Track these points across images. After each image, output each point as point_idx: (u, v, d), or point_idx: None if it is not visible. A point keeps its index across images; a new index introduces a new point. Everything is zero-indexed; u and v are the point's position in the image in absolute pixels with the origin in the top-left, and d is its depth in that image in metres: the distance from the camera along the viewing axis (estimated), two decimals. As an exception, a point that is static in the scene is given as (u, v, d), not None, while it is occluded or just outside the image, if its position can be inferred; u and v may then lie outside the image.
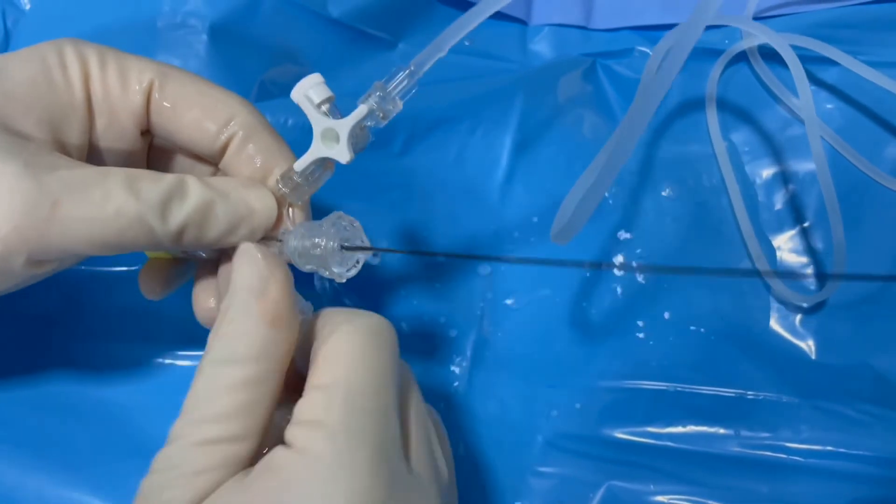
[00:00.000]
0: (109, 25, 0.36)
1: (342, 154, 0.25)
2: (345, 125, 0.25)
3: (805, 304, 0.36)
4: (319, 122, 0.25)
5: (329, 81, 0.39)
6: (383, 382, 0.23)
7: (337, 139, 0.25)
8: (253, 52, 0.37)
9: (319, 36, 0.39)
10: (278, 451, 0.22)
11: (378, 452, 0.21)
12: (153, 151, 0.28)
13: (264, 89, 0.37)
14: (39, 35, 0.37)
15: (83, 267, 0.34)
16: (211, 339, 0.23)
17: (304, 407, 0.22)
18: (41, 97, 0.24)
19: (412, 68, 0.25)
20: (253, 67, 0.37)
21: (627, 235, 0.37)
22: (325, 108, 0.25)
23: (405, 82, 0.25)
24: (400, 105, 0.25)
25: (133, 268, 0.34)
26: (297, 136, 0.36)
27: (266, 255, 0.24)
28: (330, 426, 0.21)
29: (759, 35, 0.39)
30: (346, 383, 0.22)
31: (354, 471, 0.21)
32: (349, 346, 0.23)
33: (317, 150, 0.26)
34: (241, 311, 0.23)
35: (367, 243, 0.26)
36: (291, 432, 0.22)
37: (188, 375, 0.33)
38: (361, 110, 0.25)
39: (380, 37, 0.40)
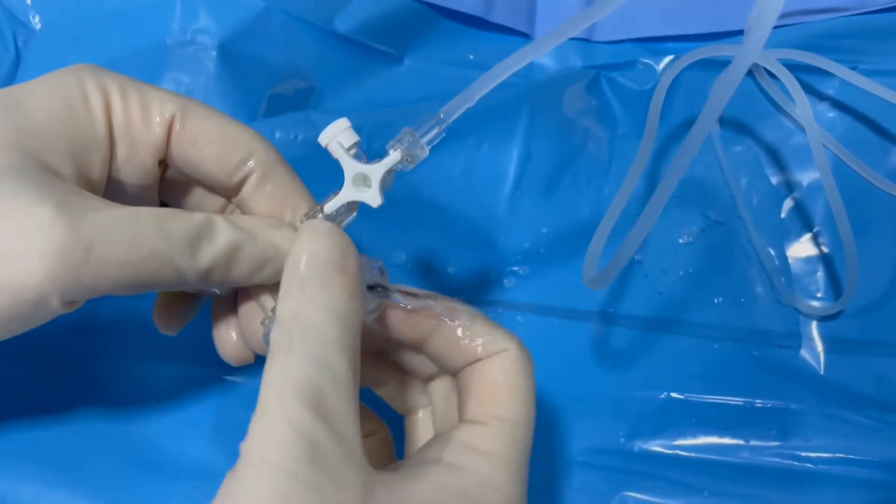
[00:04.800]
0: (119, 44, 0.36)
1: (374, 198, 0.26)
2: (377, 171, 0.25)
3: (819, 314, 0.36)
4: (352, 167, 0.26)
5: (336, 96, 0.40)
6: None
7: (368, 183, 0.26)
8: (261, 69, 0.38)
9: (326, 51, 0.39)
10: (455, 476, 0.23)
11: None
12: (164, 182, 0.28)
13: (273, 105, 0.38)
14: (50, 55, 0.37)
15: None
16: (289, 323, 0.22)
17: (486, 437, 0.24)
18: (65, 131, 0.24)
19: (441, 116, 0.26)
20: (262, 83, 0.38)
21: (638, 257, 0.38)
22: (352, 151, 0.26)
23: (435, 130, 0.26)
24: (427, 151, 0.26)
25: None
26: (308, 153, 0.36)
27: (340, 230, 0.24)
28: (511, 466, 0.23)
29: (748, 56, 0.39)
30: (524, 421, 0.24)
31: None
32: (523, 381, 0.25)
33: (348, 193, 0.26)
34: (324, 288, 0.22)
35: (388, 284, 0.26)
36: (470, 461, 0.23)
37: (204, 391, 0.34)
38: (395, 157, 0.25)
39: (386, 52, 0.40)
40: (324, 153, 0.37)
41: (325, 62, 0.39)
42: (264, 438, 0.20)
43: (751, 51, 0.23)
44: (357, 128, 0.27)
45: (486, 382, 0.25)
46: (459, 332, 0.25)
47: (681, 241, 0.38)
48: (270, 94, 0.38)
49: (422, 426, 0.28)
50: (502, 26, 0.42)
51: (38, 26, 0.38)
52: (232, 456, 0.32)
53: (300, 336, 0.21)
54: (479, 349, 0.25)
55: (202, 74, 0.36)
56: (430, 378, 0.28)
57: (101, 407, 0.33)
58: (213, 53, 0.37)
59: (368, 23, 0.39)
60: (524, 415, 0.24)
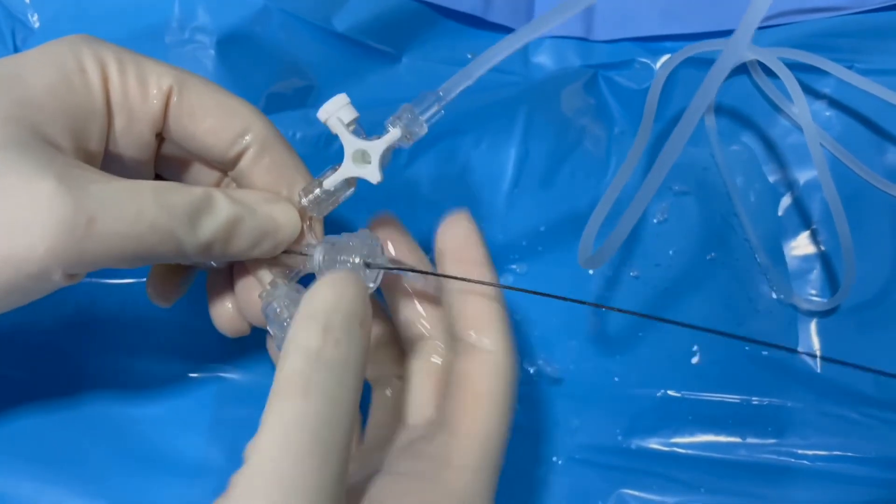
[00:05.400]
0: (117, 42, 0.36)
1: (373, 174, 0.26)
2: (377, 147, 0.26)
3: (816, 310, 0.36)
4: (352, 142, 0.26)
5: (336, 94, 0.40)
6: None
7: (367, 159, 0.26)
8: (260, 67, 0.38)
9: (325, 50, 0.39)
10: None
11: None
12: (160, 155, 0.28)
13: (271, 102, 0.38)
14: (49, 52, 0.37)
15: (93, 279, 0.34)
16: (310, 363, 0.22)
17: (460, 450, 0.24)
18: (63, 104, 0.24)
19: (440, 93, 0.26)
20: (260, 81, 0.38)
21: (634, 273, 0.38)
22: (351, 127, 0.26)
23: (434, 107, 0.26)
24: (426, 128, 0.26)
25: (142, 279, 0.34)
26: (307, 150, 0.36)
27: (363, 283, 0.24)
28: (483, 478, 0.24)
29: (748, 54, 0.39)
30: (498, 434, 0.24)
31: None
32: (503, 391, 0.25)
33: (348, 169, 0.26)
34: (348, 335, 0.22)
35: (386, 260, 0.26)
36: (445, 475, 0.23)
37: (199, 388, 0.34)
38: (395, 133, 0.26)
39: (384, 51, 0.40)
40: (323, 151, 0.37)
41: (323, 61, 0.39)
42: (264, 474, 0.20)
43: (740, 40, 0.24)
44: (355, 125, 0.27)
45: (470, 389, 0.25)
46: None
47: (678, 239, 0.38)
48: (269, 92, 0.38)
49: (384, 405, 0.28)
50: (501, 26, 0.42)
51: (37, 25, 0.38)
52: (229, 452, 0.32)
53: (320, 381, 0.21)
54: (472, 335, 0.25)
55: (200, 72, 0.35)
56: (413, 347, 0.28)
57: (99, 404, 0.33)
58: (212, 52, 0.37)
59: (367, 22, 0.40)
60: (502, 426, 0.25)
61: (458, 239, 0.27)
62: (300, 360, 0.21)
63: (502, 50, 0.26)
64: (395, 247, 0.28)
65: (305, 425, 0.20)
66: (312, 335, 0.22)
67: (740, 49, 0.24)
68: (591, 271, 0.37)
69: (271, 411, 0.21)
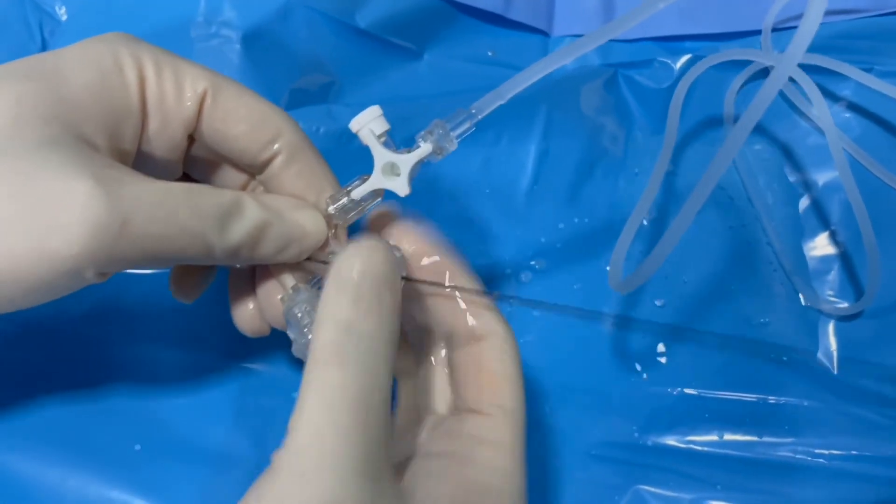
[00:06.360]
0: (144, 36, 0.36)
1: (402, 187, 0.26)
2: (408, 161, 0.26)
3: (840, 315, 0.36)
4: (382, 155, 0.26)
5: (356, 91, 0.40)
6: None
7: (397, 171, 0.26)
8: (284, 62, 0.38)
9: (348, 46, 0.39)
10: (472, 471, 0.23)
11: None
12: (189, 155, 0.28)
13: (295, 97, 0.38)
14: (76, 45, 0.38)
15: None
16: (343, 335, 0.22)
17: (492, 427, 0.25)
18: (100, 103, 0.24)
19: (473, 111, 0.26)
20: (284, 76, 0.38)
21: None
22: (382, 139, 0.26)
23: (466, 124, 0.26)
24: (456, 144, 0.26)
25: (167, 270, 0.35)
26: (329, 145, 0.36)
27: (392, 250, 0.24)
28: (517, 453, 0.25)
29: (768, 62, 0.40)
30: (521, 409, 0.25)
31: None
32: (515, 369, 0.26)
33: (377, 180, 0.26)
34: (378, 302, 0.22)
35: (406, 271, 0.27)
36: (480, 452, 0.24)
37: (224, 379, 0.34)
38: (426, 148, 0.26)
39: (406, 47, 0.41)
40: (345, 146, 0.38)
41: (345, 57, 0.40)
42: (315, 448, 0.20)
43: (790, 61, 0.24)
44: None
45: (484, 371, 0.26)
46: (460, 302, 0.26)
47: (700, 240, 0.38)
48: (292, 87, 0.38)
49: (410, 393, 0.29)
50: (521, 24, 0.42)
51: (65, 17, 0.38)
52: (254, 442, 0.33)
53: (356, 350, 0.21)
54: (471, 321, 0.26)
55: (225, 67, 0.37)
56: (420, 345, 0.28)
57: (124, 393, 0.33)
58: (237, 47, 0.37)
59: (389, 18, 0.40)
60: (520, 403, 0.25)
61: (429, 245, 0.27)
62: (333, 330, 0.21)
63: (540, 70, 0.26)
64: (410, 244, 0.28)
65: (345, 396, 0.20)
66: (344, 306, 0.22)
67: (790, 70, 0.24)
68: (608, 267, 0.38)
69: (309, 383, 0.21)
